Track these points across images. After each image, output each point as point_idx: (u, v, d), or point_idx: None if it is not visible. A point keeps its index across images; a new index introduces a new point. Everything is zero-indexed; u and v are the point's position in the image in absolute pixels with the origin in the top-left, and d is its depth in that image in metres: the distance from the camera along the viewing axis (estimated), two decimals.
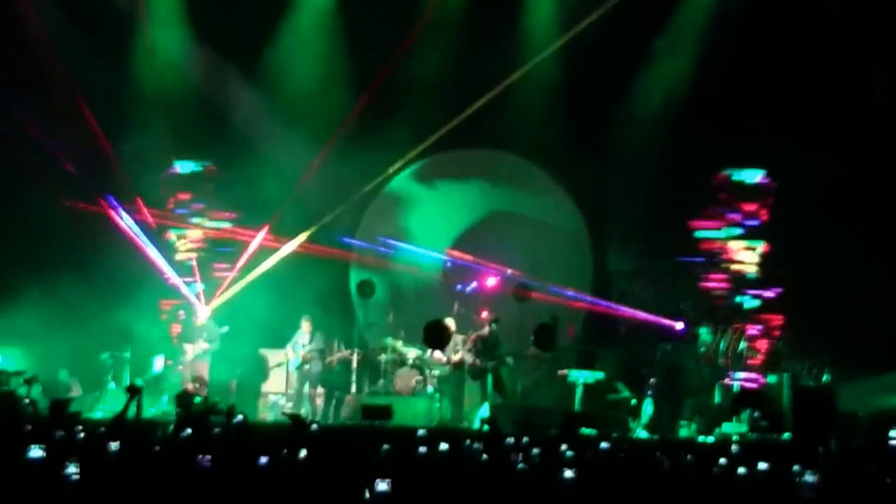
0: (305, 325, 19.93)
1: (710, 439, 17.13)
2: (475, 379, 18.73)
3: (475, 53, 20.71)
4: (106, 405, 18.77)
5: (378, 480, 8.52)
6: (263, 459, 9.86)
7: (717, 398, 19.41)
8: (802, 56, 19.50)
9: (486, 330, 18.91)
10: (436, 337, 18.49)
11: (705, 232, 21.16)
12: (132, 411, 12.71)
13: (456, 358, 19.02)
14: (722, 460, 11.31)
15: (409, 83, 20.84)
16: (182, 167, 21.87)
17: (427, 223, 22.06)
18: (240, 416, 13.44)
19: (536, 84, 20.93)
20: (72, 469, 9.11)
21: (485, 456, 11.37)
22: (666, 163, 20.45)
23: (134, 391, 12.90)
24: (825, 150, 19.42)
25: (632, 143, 20.67)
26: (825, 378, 18.56)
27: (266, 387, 20.44)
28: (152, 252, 21.12)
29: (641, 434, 17.72)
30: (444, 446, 11.66)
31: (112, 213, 20.76)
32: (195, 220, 21.91)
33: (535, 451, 11.70)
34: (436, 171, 22.36)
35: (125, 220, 20.92)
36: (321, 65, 21.25)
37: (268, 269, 21.01)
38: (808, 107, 19.70)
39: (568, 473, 9.80)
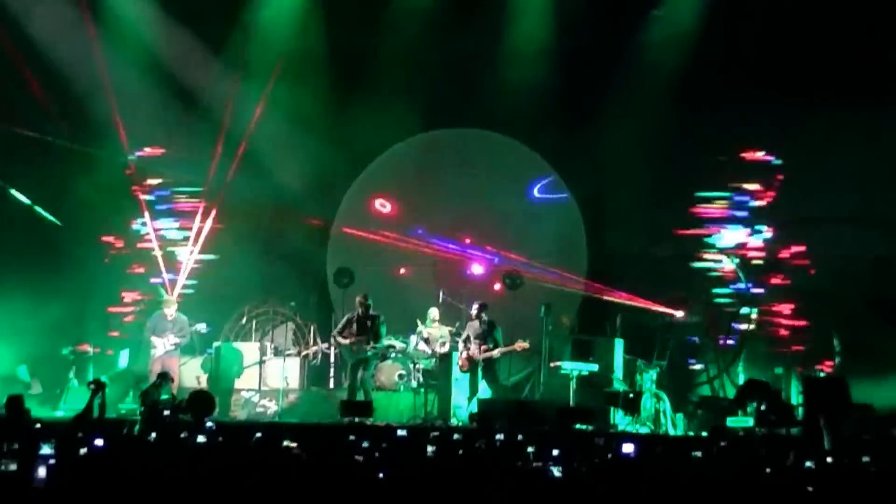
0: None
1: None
2: (464, 372, 17.82)
3: (460, 26, 19.72)
4: (68, 403, 18.21)
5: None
6: None
7: (720, 392, 18.60)
8: (809, 19, 18.32)
9: (476, 320, 17.92)
10: None
11: (708, 213, 20.23)
12: (96, 409, 12.89)
13: (443, 350, 18.35)
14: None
15: (392, 59, 20.02)
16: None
17: (416, 209, 21.24)
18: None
19: (527, 57, 19.88)
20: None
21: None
22: (667, 138, 19.54)
23: (98, 387, 13.02)
24: (841, 118, 18.39)
25: (631, 118, 19.54)
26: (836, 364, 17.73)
27: (239, 383, 19.24)
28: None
29: (641, 430, 16.79)
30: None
31: None
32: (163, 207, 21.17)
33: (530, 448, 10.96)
34: (427, 155, 21.53)
35: None
36: (298, 40, 20.16)
37: (233, 251, 20.47)
38: (815, 75, 18.70)
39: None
